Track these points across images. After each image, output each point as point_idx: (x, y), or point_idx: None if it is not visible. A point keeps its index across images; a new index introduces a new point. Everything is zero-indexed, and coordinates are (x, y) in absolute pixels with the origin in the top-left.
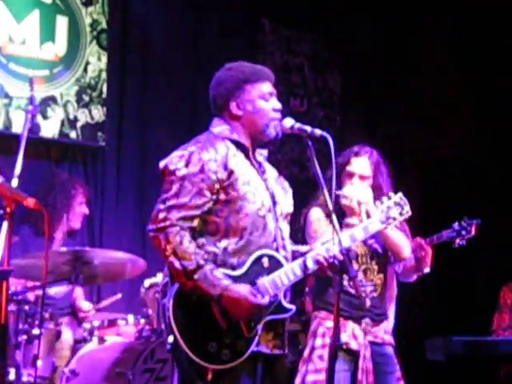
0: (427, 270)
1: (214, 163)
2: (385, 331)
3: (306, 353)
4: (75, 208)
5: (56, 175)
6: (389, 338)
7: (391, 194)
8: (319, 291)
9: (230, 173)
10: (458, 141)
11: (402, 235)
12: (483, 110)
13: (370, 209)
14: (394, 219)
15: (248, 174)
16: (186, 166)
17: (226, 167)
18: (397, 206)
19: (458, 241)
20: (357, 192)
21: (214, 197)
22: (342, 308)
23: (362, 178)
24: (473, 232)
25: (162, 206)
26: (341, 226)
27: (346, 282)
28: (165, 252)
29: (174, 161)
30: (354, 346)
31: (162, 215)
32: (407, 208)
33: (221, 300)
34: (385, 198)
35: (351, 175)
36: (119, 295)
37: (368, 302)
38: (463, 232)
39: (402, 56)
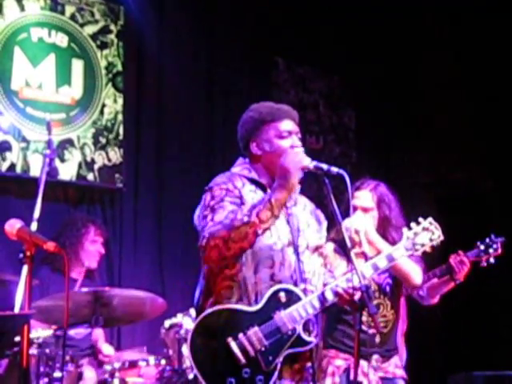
0: (460, 280)
1: (234, 191)
2: (395, 366)
3: None
4: (87, 246)
5: (70, 215)
6: (400, 373)
7: (420, 219)
8: (328, 329)
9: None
10: (472, 173)
11: (411, 262)
12: (497, 143)
13: (372, 236)
14: (423, 245)
15: None
16: (213, 198)
17: (241, 198)
18: (426, 231)
19: (484, 258)
20: (353, 222)
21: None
22: (350, 346)
23: (364, 210)
24: (499, 250)
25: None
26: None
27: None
28: (226, 243)
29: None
30: None
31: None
32: (438, 233)
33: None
34: (413, 224)
35: (355, 209)
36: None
37: (377, 339)
38: (490, 250)
39: (415, 92)
